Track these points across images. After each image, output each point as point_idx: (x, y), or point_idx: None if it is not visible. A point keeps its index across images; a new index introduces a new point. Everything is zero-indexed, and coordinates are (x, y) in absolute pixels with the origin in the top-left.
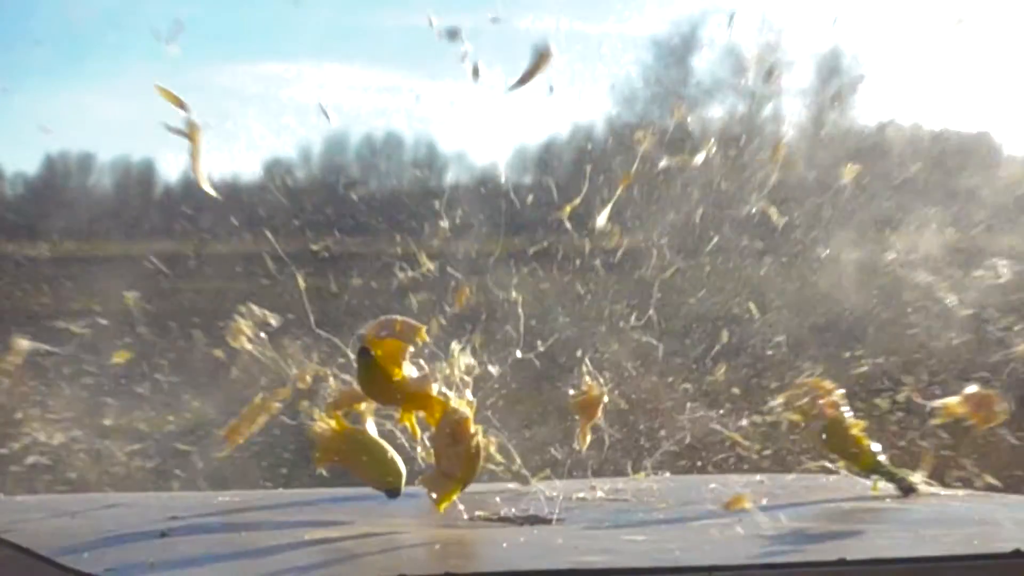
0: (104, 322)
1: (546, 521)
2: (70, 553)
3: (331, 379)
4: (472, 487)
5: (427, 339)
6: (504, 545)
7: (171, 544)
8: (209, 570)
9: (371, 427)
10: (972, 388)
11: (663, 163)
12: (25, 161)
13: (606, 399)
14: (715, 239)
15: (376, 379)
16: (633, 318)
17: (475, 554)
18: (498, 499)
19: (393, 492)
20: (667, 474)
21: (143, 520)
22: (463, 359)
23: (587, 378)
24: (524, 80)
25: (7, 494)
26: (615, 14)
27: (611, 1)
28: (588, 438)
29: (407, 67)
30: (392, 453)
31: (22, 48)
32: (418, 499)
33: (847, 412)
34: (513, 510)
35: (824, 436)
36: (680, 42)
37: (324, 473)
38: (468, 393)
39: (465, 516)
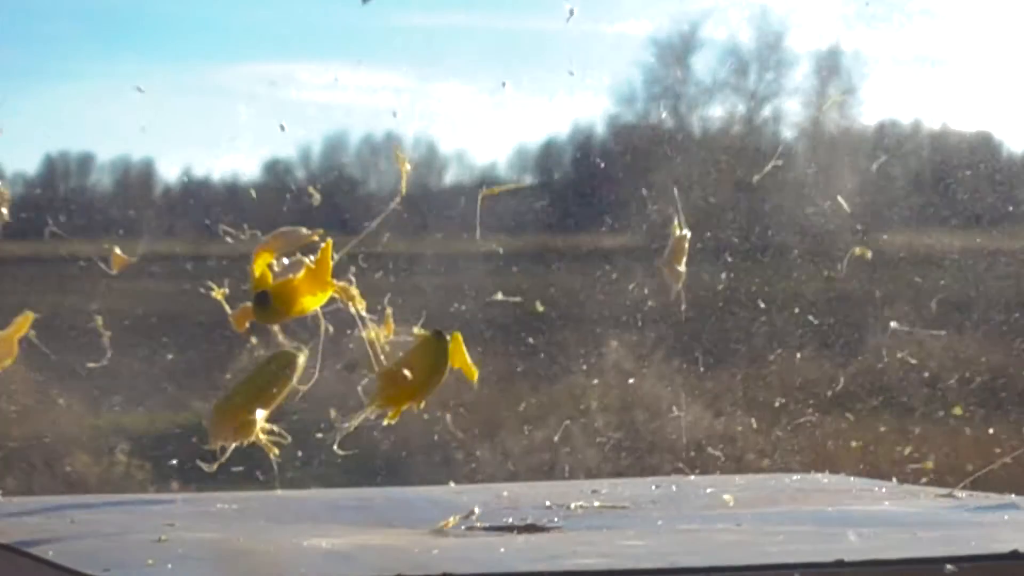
0: None
1: (544, 529)
2: (68, 553)
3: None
4: (470, 497)
5: (315, 238)
6: (502, 550)
7: (170, 545)
8: (207, 571)
9: None
10: None
11: None
12: (25, 161)
13: (688, 235)
14: None
15: (277, 318)
16: None
17: (473, 558)
18: (496, 507)
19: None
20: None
21: (141, 521)
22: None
23: (676, 224)
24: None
25: (5, 495)
26: (615, 14)
27: (611, 1)
28: (681, 281)
29: (407, 67)
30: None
31: (22, 48)
32: (416, 507)
33: None
34: (510, 518)
35: None
36: (680, 42)
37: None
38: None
39: (462, 526)
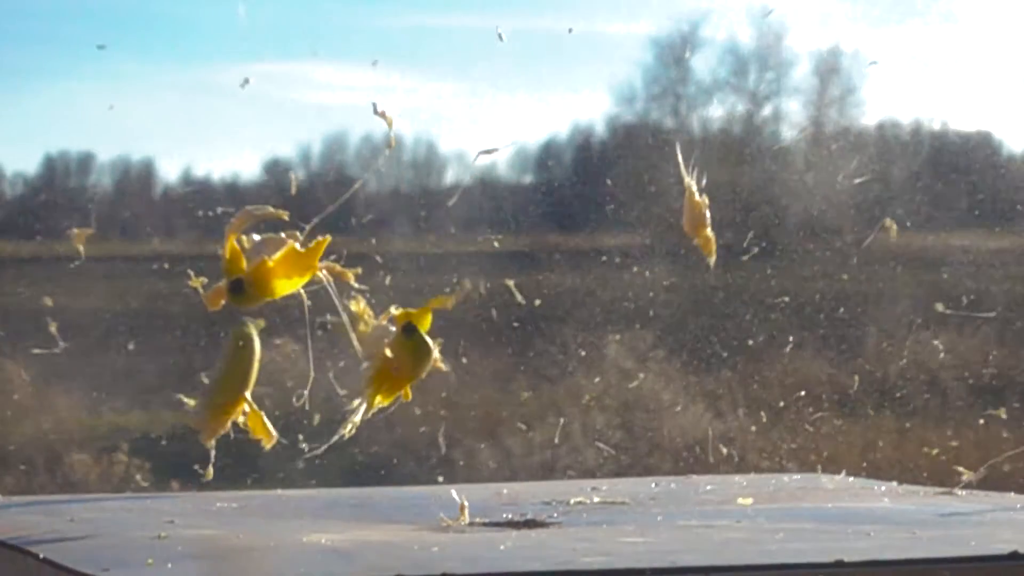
0: None
1: (544, 525)
2: (68, 553)
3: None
4: (470, 495)
5: (283, 216)
6: (502, 548)
7: (169, 544)
8: (207, 569)
9: None
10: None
11: None
12: (25, 161)
13: (706, 200)
14: None
15: (253, 302)
16: None
17: (473, 556)
18: (495, 504)
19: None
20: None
21: (141, 521)
22: None
23: (691, 187)
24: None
25: (5, 495)
26: (615, 14)
27: (611, 1)
28: (713, 249)
29: (407, 67)
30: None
31: (22, 48)
32: (415, 505)
33: None
34: (510, 515)
35: None
36: (680, 42)
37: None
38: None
39: (463, 521)
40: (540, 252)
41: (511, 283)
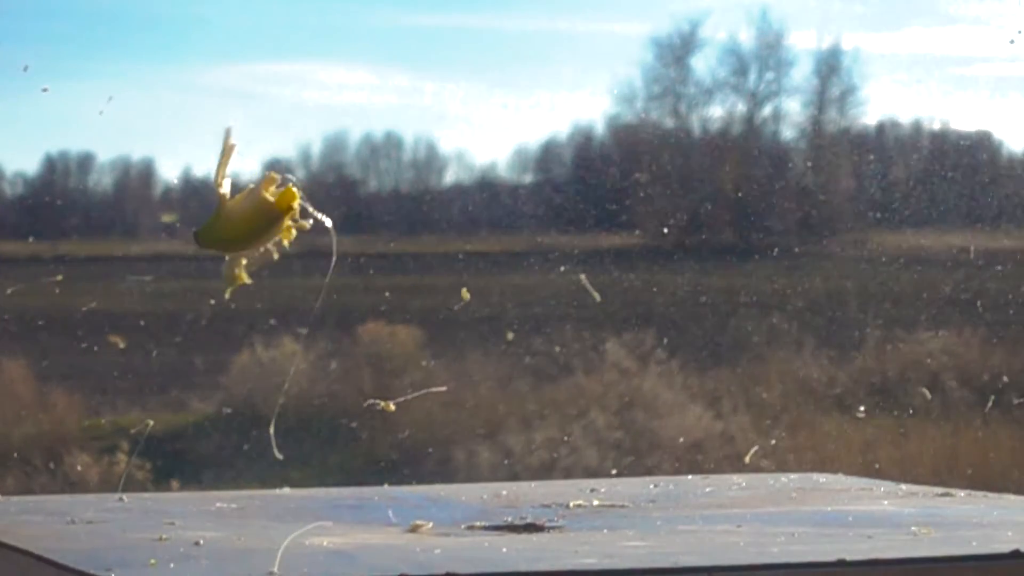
0: None
1: (544, 528)
2: (69, 553)
3: None
4: (469, 496)
5: None
6: (504, 550)
7: (171, 544)
8: (209, 570)
9: None
10: None
11: None
12: (25, 161)
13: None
14: None
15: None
16: None
17: (475, 557)
18: (494, 506)
19: None
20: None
21: (142, 520)
22: None
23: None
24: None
25: (5, 494)
26: (616, 14)
27: (611, 1)
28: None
29: (407, 67)
30: None
31: (22, 48)
32: (417, 506)
33: None
34: (510, 518)
35: None
36: (680, 42)
37: None
38: None
39: (462, 525)
40: (540, 252)
41: (583, 277)
